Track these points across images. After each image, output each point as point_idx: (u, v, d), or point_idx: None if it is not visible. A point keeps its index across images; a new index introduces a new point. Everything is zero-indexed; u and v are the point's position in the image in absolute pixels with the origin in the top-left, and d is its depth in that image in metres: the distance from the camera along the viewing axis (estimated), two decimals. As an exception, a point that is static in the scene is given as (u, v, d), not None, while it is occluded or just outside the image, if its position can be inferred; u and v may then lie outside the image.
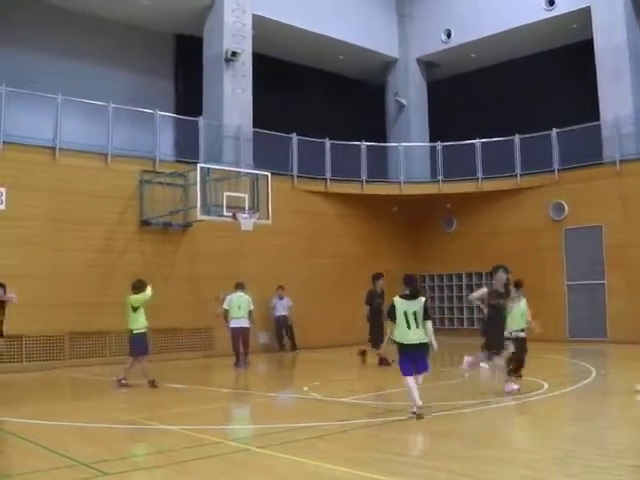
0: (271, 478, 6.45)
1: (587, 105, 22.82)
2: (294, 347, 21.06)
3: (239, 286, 17.47)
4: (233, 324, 17.03)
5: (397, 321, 9.26)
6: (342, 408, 10.45)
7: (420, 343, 9.28)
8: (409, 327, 9.22)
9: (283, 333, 21.12)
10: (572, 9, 23.48)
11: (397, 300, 9.39)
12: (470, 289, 24.82)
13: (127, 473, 6.60)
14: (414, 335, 9.25)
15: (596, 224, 21.87)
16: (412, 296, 9.48)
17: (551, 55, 25.27)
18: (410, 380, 9.14)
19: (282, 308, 20.87)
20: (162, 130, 20.25)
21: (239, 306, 17.07)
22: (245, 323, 17.10)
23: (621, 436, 8.28)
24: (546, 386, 12.03)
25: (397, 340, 9.33)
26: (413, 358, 9.23)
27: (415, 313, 9.30)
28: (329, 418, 9.37)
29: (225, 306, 17.10)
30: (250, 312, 17.24)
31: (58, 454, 7.28)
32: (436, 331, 25.51)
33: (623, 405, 10.83)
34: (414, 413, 8.98)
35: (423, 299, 9.54)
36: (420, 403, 8.97)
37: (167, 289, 18.92)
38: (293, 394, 11.44)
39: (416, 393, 9.06)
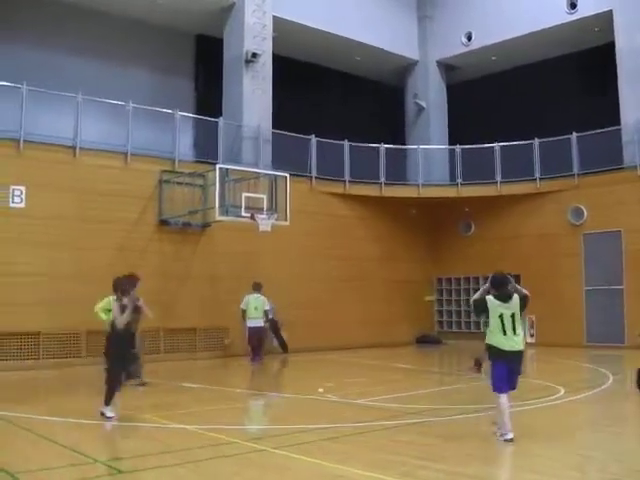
0: (289, 479, 6.45)
1: (608, 109, 22.69)
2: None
3: (256, 287, 17.85)
4: (250, 324, 17.71)
5: (491, 327, 8.28)
6: (357, 410, 10.45)
7: (519, 351, 8.21)
8: (505, 333, 8.16)
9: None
10: (594, 12, 23.35)
11: (491, 301, 8.35)
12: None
13: (141, 472, 6.63)
14: (512, 342, 8.16)
15: (615, 229, 21.75)
16: (507, 297, 8.35)
17: (572, 58, 25.17)
18: (504, 399, 8.01)
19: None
20: (182, 130, 20.35)
21: (255, 307, 17.70)
22: (260, 323, 17.83)
23: (637, 442, 8.23)
24: (562, 391, 11.96)
25: (493, 346, 8.26)
26: (509, 371, 8.12)
27: (513, 316, 8.23)
28: (344, 420, 9.37)
29: (242, 306, 17.73)
30: (266, 312, 17.84)
31: (73, 451, 7.31)
32: (454, 334, 25.71)
33: (640, 411, 10.78)
34: (506, 440, 7.81)
35: (517, 297, 8.40)
36: (512, 435, 7.80)
37: (184, 289, 19.04)
38: (308, 395, 11.42)
39: (509, 417, 7.94)
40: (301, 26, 23.88)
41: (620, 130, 22.24)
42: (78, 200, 17.68)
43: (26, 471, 6.49)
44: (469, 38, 26.71)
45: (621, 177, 21.78)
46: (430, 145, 26.38)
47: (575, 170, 22.71)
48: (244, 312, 17.74)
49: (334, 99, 26.70)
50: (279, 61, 23.34)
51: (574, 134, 22.60)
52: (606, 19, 23.04)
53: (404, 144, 26.95)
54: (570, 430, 9.01)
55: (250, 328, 17.77)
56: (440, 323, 26.17)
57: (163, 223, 19.06)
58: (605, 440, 8.39)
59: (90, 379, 15.00)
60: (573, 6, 23.78)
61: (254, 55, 22.07)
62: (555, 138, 23.00)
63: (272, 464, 7.03)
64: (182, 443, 7.91)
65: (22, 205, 16.84)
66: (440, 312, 26.22)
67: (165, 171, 19.37)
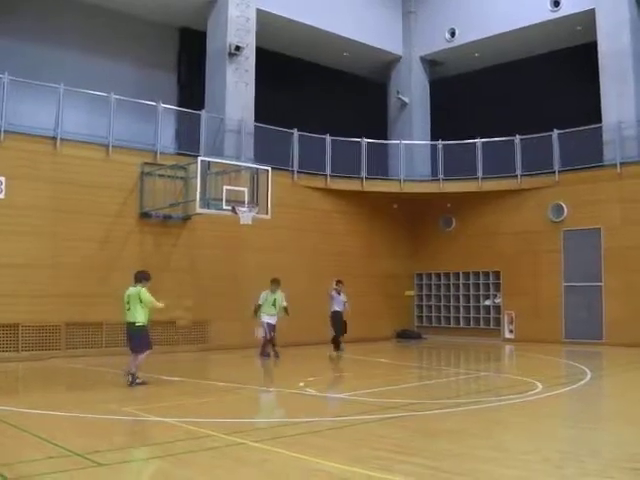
0: (266, 473, 6.46)
1: (589, 107, 22.81)
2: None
3: (274, 283, 17.68)
4: (266, 319, 17.48)
5: None
6: (337, 404, 10.48)
7: None
8: None
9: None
10: (577, 11, 23.47)
11: None
12: (467, 288, 24.96)
13: (121, 464, 6.62)
14: None
15: (595, 226, 21.91)
16: None
17: (555, 56, 25.26)
18: None
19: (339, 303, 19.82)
20: (164, 122, 20.27)
21: (273, 303, 17.50)
22: (275, 319, 17.58)
23: (615, 438, 8.30)
24: (540, 387, 12.03)
25: None
26: None
27: None
28: (324, 414, 9.40)
29: (260, 302, 17.55)
30: (285, 308, 17.64)
31: (53, 444, 7.29)
32: (434, 329, 25.81)
33: (617, 407, 10.87)
34: None
35: None
36: None
37: (165, 282, 18.97)
38: (289, 389, 11.43)
39: None
40: (284, 20, 23.84)
41: (601, 128, 22.38)
42: (58, 191, 17.58)
43: (4, 464, 6.46)
44: (452, 34, 26.75)
45: (601, 175, 21.93)
46: (412, 140, 26.40)
47: (556, 167, 22.84)
48: (258, 307, 17.49)
49: (317, 93, 26.66)
50: (263, 55, 23.29)
51: (555, 131, 22.73)
52: (588, 18, 23.15)
53: (387, 139, 26.98)
54: (547, 425, 9.06)
55: (268, 324, 17.43)
56: (420, 318, 26.25)
57: (144, 215, 19.00)
58: (582, 435, 8.46)
59: (69, 372, 15.00)
60: (556, 4, 23.87)
61: (237, 48, 22.03)
62: (536, 135, 23.12)
63: (252, 457, 7.03)
64: (162, 436, 7.90)
65: (1, 196, 16.75)
66: (420, 307, 26.30)
67: (147, 163, 19.30)
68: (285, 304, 17.57)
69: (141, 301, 12.03)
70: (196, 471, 6.50)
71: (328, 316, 19.42)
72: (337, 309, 19.51)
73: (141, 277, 12.37)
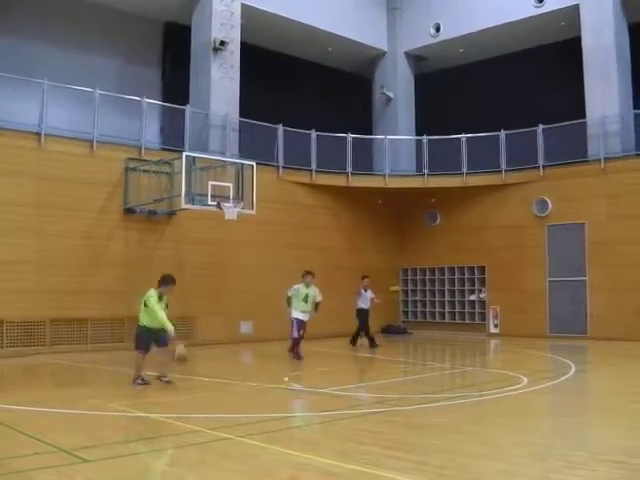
0: (253, 467, 6.45)
1: (574, 103, 22.90)
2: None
3: (309, 275, 16.42)
4: (296, 315, 16.05)
5: None
6: (323, 399, 10.48)
7: None
8: None
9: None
10: (561, 6, 23.55)
11: None
12: (452, 283, 25.05)
13: (107, 460, 6.60)
14: None
15: (579, 221, 22.02)
16: None
17: (539, 52, 25.32)
18: None
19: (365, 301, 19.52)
20: (148, 118, 20.20)
21: (304, 298, 16.05)
22: (307, 317, 16.20)
23: (600, 432, 8.36)
24: (525, 381, 12.10)
25: None
26: None
27: None
28: (310, 409, 9.42)
29: (290, 293, 16.20)
30: (317, 304, 16.35)
31: (38, 440, 7.26)
32: (419, 324, 25.84)
33: (602, 401, 10.95)
34: None
35: None
36: None
37: (150, 277, 18.90)
38: (273, 384, 11.44)
39: None
40: (270, 15, 23.77)
41: (585, 123, 22.49)
42: (43, 187, 17.50)
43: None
44: (437, 30, 26.77)
45: (586, 170, 22.04)
46: (397, 135, 26.44)
47: (540, 162, 22.93)
48: (290, 300, 16.07)
49: (302, 89, 26.65)
50: (248, 50, 23.24)
51: (540, 126, 22.81)
52: (573, 13, 23.24)
53: (372, 134, 27.00)
54: (532, 419, 9.13)
55: (298, 320, 15.98)
56: (405, 313, 26.31)
57: (129, 211, 18.93)
58: (566, 429, 8.51)
59: (54, 368, 14.95)
60: (540, 0, 23.96)
61: (222, 43, 21.98)
62: (521, 130, 23.22)
63: (237, 452, 7.02)
64: (148, 432, 7.90)
65: (-15, 192, 16.66)
66: (405, 302, 26.35)
67: (131, 159, 19.21)
68: (319, 299, 16.29)
69: (145, 305, 11.52)
70: (182, 467, 6.50)
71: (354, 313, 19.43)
72: (362, 306, 19.29)
73: (160, 281, 11.78)
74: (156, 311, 11.27)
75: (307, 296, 16.00)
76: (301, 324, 15.97)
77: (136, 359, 11.62)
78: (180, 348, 11.07)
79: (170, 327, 11.17)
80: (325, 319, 22.32)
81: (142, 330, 11.62)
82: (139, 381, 11.44)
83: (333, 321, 21.95)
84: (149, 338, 11.56)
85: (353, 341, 19.66)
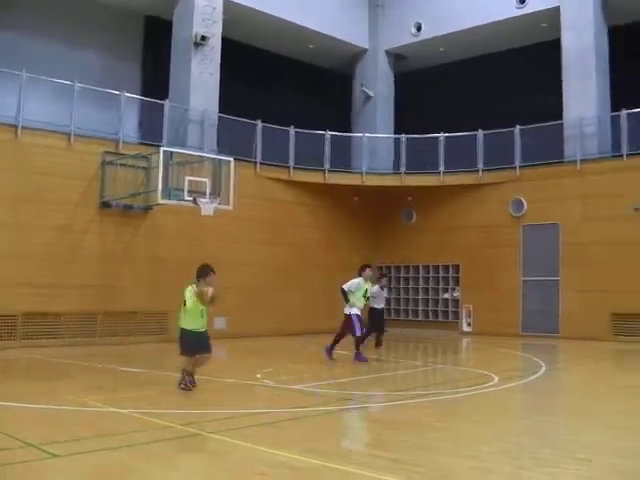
0: (224, 463, 6.48)
1: (552, 104, 23.12)
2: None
3: (369, 270, 15.55)
4: (356, 311, 14.93)
5: None
6: (295, 396, 10.53)
7: None
8: None
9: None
10: (542, 8, 23.77)
11: None
12: (427, 281, 25.18)
13: (77, 455, 6.60)
14: None
15: (554, 222, 22.23)
16: None
17: (519, 53, 25.52)
18: None
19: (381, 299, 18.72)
20: (127, 112, 20.14)
21: (364, 294, 15.19)
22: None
23: (568, 430, 8.48)
24: (496, 379, 12.22)
25: None
26: None
27: None
28: (282, 405, 9.46)
29: (350, 288, 15.01)
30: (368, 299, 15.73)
31: (8, 435, 7.24)
32: (393, 322, 25.88)
33: (572, 400, 11.09)
34: None
35: None
36: None
37: (125, 272, 18.92)
38: (246, 381, 11.50)
39: None
40: (251, 10, 23.78)
41: (562, 125, 22.68)
42: (19, 179, 17.41)
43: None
44: (419, 29, 26.88)
45: (562, 171, 22.27)
46: (376, 134, 26.51)
47: (517, 163, 23.11)
48: (346, 295, 14.96)
49: (283, 85, 26.68)
50: (229, 45, 23.23)
51: (517, 127, 22.97)
52: (554, 15, 23.46)
53: (351, 132, 27.05)
54: (503, 417, 9.23)
55: (359, 317, 14.91)
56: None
57: (105, 205, 18.87)
58: (537, 427, 8.61)
59: (25, 363, 14.88)
60: (522, 1, 24.12)
61: (203, 38, 21.93)
62: (499, 130, 23.37)
63: (208, 449, 7.08)
64: (119, 427, 7.91)
65: (-40, 184, 16.57)
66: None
67: (108, 152, 19.14)
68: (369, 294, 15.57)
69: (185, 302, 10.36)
70: (153, 462, 6.51)
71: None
72: (375, 306, 18.16)
73: (198, 273, 10.53)
74: (192, 303, 10.19)
75: (366, 291, 15.22)
76: (361, 321, 15.02)
77: (186, 364, 10.47)
78: (212, 291, 10.18)
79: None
80: (301, 315, 22.49)
81: (183, 332, 10.43)
82: (182, 385, 10.41)
83: (309, 317, 22.08)
84: (194, 342, 10.33)
85: (377, 344, 18.16)
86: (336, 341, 15.20)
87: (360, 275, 15.18)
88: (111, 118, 19.66)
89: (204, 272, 10.38)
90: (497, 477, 6.16)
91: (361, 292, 14.95)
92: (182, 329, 10.40)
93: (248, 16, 23.94)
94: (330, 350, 15.16)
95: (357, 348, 14.91)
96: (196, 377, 10.50)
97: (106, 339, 18.29)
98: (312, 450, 6.85)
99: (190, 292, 10.27)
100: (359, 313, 14.90)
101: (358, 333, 14.76)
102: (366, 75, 28.24)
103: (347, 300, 14.84)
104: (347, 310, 14.90)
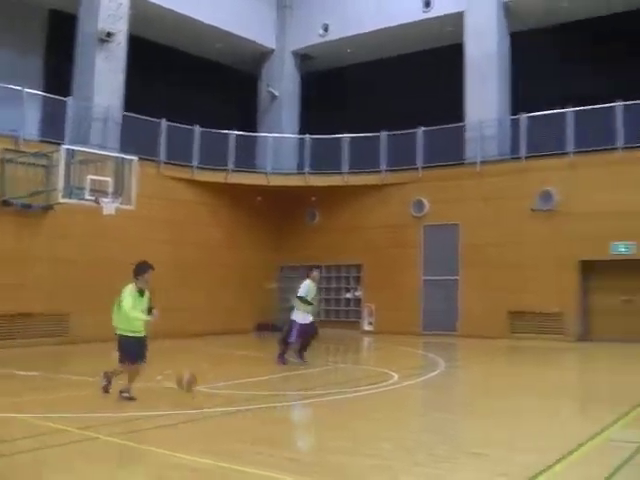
0: (120, 467, 6.49)
1: (454, 106, 23.66)
2: None
3: (317, 270, 15.03)
4: (306, 320, 14.48)
5: None
6: (195, 397, 10.53)
7: None
8: None
9: None
10: (447, 12, 24.36)
11: None
12: (329, 281, 25.35)
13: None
14: None
15: (454, 222, 22.76)
16: None
17: (424, 55, 25.97)
18: None
19: None
20: (29, 108, 19.63)
21: (314, 299, 14.73)
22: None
23: (463, 425, 8.80)
24: (396, 377, 12.49)
25: None
26: None
27: None
28: (182, 407, 9.45)
29: (303, 294, 14.47)
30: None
31: None
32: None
33: (467, 396, 11.46)
34: None
35: None
36: None
37: (24, 272, 18.49)
38: (146, 383, 11.45)
39: None
40: (159, 7, 23.58)
41: (464, 127, 23.26)
42: None
43: None
44: (326, 29, 27.09)
45: (462, 172, 22.83)
46: (281, 134, 26.61)
47: (419, 164, 23.56)
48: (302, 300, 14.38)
49: (189, 83, 26.49)
50: (135, 42, 22.88)
51: (420, 129, 23.42)
52: (458, 20, 24.07)
53: (257, 132, 27.08)
54: (401, 415, 9.48)
55: (305, 325, 14.46)
56: (284, 311, 26.35)
57: (4, 204, 18.39)
58: (433, 423, 8.89)
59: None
60: (427, 4, 24.61)
61: (109, 34, 21.55)
62: (402, 132, 23.79)
63: (106, 452, 7.04)
64: (13, 433, 7.70)
65: None
66: (284, 300, 26.39)
67: (8, 150, 18.67)
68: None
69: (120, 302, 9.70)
70: (48, 468, 6.45)
71: None
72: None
73: (135, 271, 9.96)
74: (129, 311, 9.60)
75: (315, 295, 14.76)
76: (305, 330, 14.42)
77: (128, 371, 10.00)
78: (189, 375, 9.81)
79: (146, 317, 9.75)
80: (205, 315, 22.41)
81: (122, 338, 9.84)
82: (126, 395, 9.84)
83: (213, 317, 22.05)
84: (136, 347, 9.82)
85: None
86: (303, 346, 14.69)
87: (308, 277, 14.75)
88: (12, 114, 19.17)
89: (142, 269, 9.88)
90: (396, 474, 6.28)
91: (311, 296, 14.53)
92: (120, 335, 9.78)
93: (155, 13, 23.71)
94: (300, 355, 14.68)
95: (282, 351, 14.58)
96: (92, 379, 10.37)
97: (2, 342, 17.79)
98: (209, 451, 6.87)
99: (130, 291, 9.68)
100: (306, 322, 14.44)
101: (291, 340, 14.40)
102: (272, 75, 28.33)
103: (309, 304, 14.41)
104: (294, 316, 14.54)
